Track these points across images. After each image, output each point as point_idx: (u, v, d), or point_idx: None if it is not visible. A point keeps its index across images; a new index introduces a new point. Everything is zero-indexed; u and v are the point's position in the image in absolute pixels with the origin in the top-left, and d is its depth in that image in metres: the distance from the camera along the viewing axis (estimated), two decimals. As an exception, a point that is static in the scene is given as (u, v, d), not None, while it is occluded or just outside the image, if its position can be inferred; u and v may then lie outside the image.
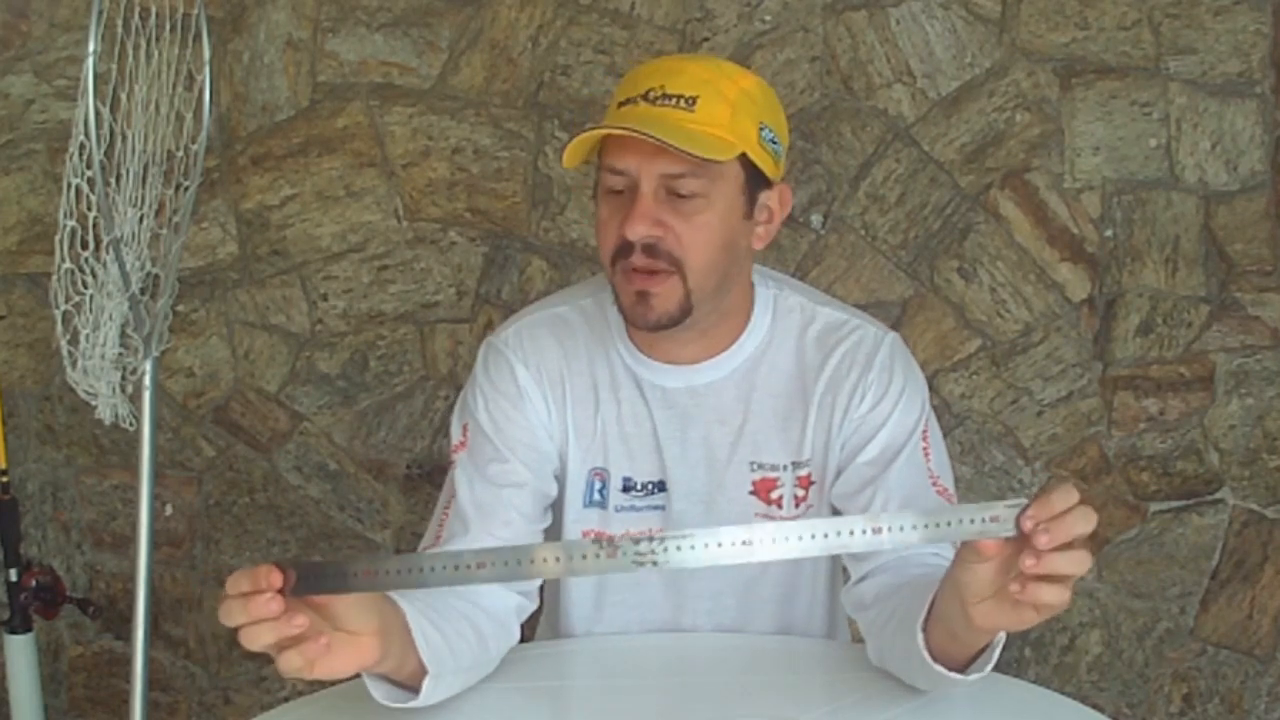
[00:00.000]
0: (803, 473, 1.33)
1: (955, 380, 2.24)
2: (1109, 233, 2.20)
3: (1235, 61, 2.15)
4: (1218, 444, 2.23)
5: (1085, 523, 0.90)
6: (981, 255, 2.21)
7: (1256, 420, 2.23)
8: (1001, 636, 1.05)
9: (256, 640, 0.92)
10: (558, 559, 0.90)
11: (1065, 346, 2.22)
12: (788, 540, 0.89)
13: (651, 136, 1.16)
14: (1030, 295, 2.21)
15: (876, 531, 0.89)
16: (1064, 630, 2.29)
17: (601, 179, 1.25)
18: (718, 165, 1.21)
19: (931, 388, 1.40)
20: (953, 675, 1.06)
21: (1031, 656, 2.29)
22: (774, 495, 1.33)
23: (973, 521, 0.90)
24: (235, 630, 0.92)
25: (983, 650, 1.07)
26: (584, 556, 0.89)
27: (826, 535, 0.89)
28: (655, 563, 0.88)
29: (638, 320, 1.25)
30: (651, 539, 0.88)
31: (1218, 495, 2.25)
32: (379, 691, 1.09)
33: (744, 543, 0.89)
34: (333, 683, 1.30)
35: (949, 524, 0.90)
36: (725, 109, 1.21)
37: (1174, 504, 2.25)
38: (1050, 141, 2.18)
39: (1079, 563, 0.91)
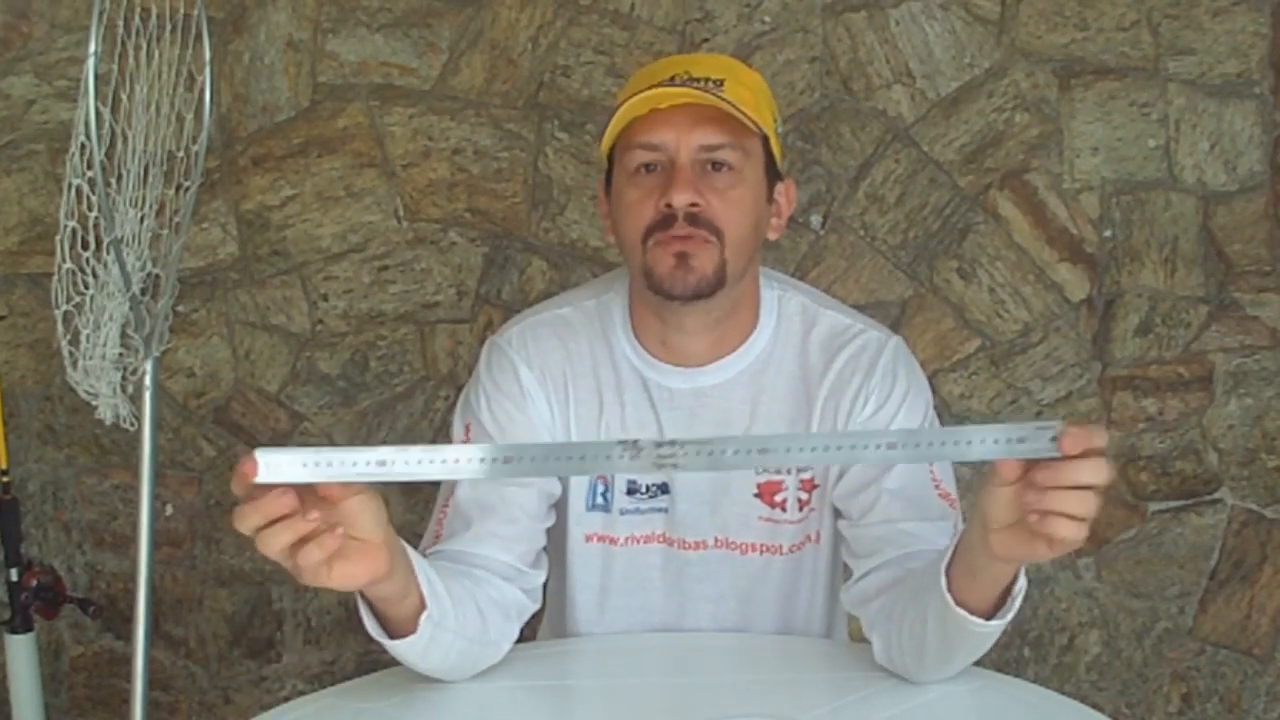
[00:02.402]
0: (806, 475, 1.33)
1: (954, 380, 2.24)
2: (1108, 233, 2.20)
3: (1234, 62, 2.15)
4: (1216, 444, 2.24)
5: (1091, 474, 0.89)
6: (981, 255, 2.21)
7: (1255, 420, 2.23)
8: (1021, 585, 1.05)
9: (275, 542, 0.91)
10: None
11: (1064, 347, 2.22)
12: (803, 451, 0.89)
13: (706, 83, 1.19)
14: (1029, 295, 2.21)
15: (891, 447, 0.89)
16: (1063, 630, 2.29)
17: (629, 159, 1.25)
18: (750, 140, 1.25)
19: (931, 388, 1.40)
20: (973, 619, 1.06)
21: (1031, 656, 2.29)
22: (778, 498, 1.33)
23: (995, 442, 0.88)
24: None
25: (1001, 604, 1.07)
26: (607, 457, 0.90)
27: (840, 448, 0.90)
28: (676, 465, 0.88)
29: (676, 286, 1.23)
30: (674, 443, 0.88)
31: (1216, 495, 2.25)
32: (372, 622, 1.08)
33: (760, 451, 0.89)
34: (348, 662, 1.29)
35: (969, 442, 0.88)
36: (748, 93, 1.25)
37: (1173, 504, 2.25)
38: (1049, 142, 2.18)
39: (1084, 504, 0.89)
